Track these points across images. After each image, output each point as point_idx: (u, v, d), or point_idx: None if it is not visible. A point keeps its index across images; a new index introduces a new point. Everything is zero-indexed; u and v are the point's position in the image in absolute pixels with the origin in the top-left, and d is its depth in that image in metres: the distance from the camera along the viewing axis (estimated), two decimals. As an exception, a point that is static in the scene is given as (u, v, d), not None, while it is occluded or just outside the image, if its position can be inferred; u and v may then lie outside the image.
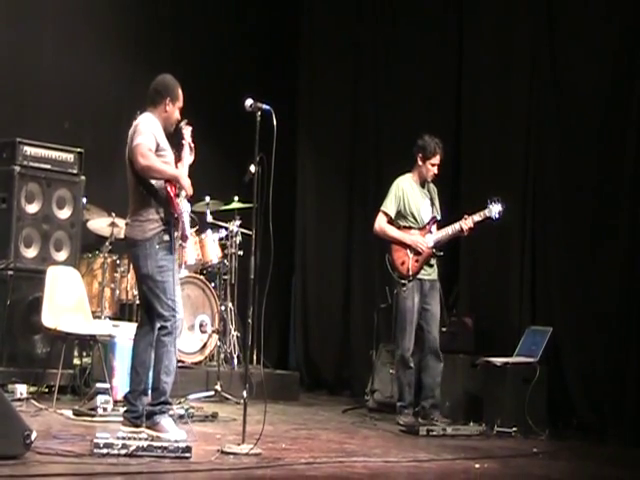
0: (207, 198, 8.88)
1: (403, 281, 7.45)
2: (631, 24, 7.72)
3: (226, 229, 8.93)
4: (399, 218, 7.61)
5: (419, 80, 9.49)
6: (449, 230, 7.55)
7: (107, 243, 8.61)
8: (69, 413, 6.59)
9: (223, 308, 8.84)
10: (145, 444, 5.20)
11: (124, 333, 7.25)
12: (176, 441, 5.43)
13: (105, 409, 6.48)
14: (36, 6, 9.09)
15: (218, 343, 8.61)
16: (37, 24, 9.11)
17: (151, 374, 5.83)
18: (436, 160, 7.58)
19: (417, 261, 7.50)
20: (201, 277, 8.86)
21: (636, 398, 7.31)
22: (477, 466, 5.85)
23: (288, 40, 10.90)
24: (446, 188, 8.32)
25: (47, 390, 7.36)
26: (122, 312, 8.67)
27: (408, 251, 7.52)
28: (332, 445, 6.25)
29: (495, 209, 7.45)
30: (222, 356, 8.55)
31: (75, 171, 8.01)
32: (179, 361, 6.82)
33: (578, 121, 8.01)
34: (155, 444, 5.23)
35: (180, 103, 5.98)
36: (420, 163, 7.62)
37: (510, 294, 8.37)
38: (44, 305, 7.18)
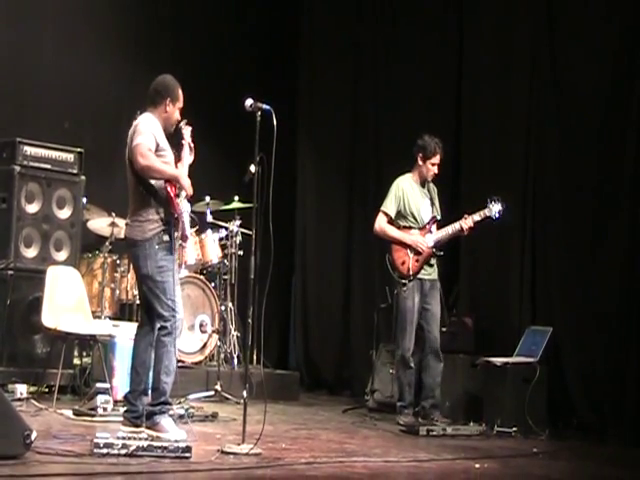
0: (207, 198, 8.88)
1: (403, 281, 7.45)
2: (631, 24, 7.72)
3: (226, 229, 8.93)
4: (399, 218, 7.61)
5: (419, 80, 9.48)
6: (449, 230, 7.55)
7: (107, 243, 8.61)
8: (69, 413, 6.59)
9: (223, 308, 8.84)
10: (145, 444, 5.20)
11: (124, 333, 7.25)
12: (176, 441, 5.43)
13: (105, 409, 6.48)
14: (36, 6, 9.09)
15: (218, 343, 8.61)
16: (37, 24, 9.10)
17: (151, 374, 5.83)
18: (436, 160, 7.58)
19: (417, 261, 7.50)
20: (201, 277, 8.85)
21: (636, 398, 7.31)
22: (477, 466, 5.85)
23: (288, 40, 10.90)
24: (446, 188, 8.32)
25: (47, 390, 7.36)
26: (122, 312, 8.66)
27: (408, 251, 7.52)
28: (332, 445, 6.24)
29: (495, 208, 7.46)
30: (222, 356, 8.54)
31: (75, 171, 8.01)
32: (179, 361, 6.82)
33: (578, 121, 8.01)
34: (155, 444, 5.23)
35: (180, 103, 5.98)
36: (420, 163, 7.62)
37: (510, 294, 8.37)
38: (44, 305, 7.18)
